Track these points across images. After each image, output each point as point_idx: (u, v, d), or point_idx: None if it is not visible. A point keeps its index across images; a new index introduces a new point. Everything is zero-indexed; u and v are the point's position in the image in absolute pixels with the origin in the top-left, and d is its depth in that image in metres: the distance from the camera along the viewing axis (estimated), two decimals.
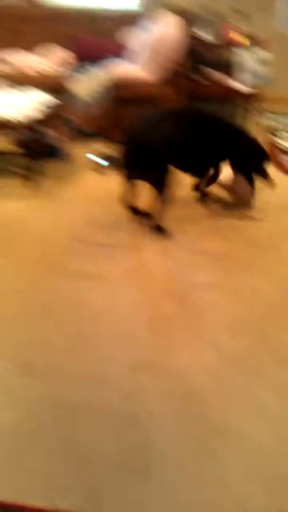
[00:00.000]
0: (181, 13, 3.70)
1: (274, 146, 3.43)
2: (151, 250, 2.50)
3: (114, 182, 2.68)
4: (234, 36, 3.68)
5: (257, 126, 3.65)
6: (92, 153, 3.34)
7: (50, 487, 1.39)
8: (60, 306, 2.11)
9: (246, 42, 3.70)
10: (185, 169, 2.58)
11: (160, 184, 2.40)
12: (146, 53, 3.56)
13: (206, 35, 3.80)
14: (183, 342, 1.92)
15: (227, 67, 3.77)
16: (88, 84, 3.55)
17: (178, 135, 2.43)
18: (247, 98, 3.74)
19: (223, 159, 2.70)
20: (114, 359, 1.84)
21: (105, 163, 3.21)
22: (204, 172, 2.77)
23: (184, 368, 1.80)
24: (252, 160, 2.64)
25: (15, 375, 1.75)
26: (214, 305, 2.11)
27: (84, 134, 3.67)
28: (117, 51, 3.79)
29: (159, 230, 2.52)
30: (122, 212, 2.75)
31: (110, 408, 1.64)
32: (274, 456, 1.50)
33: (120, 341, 1.92)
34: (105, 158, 3.24)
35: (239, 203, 2.77)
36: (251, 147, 2.65)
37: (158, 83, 3.62)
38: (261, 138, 3.49)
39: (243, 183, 2.68)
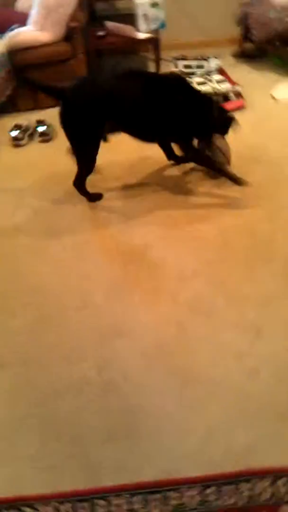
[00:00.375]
0: None
1: None
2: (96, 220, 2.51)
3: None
4: None
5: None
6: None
7: (51, 469, 1.46)
8: (16, 289, 2.09)
9: None
10: (129, 130, 2.46)
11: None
12: (39, 13, 3.37)
13: None
14: (143, 301, 1.99)
15: (125, 17, 3.67)
16: None
17: (119, 93, 2.28)
18: (149, 45, 3.69)
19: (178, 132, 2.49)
20: (82, 331, 1.89)
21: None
22: (151, 138, 2.58)
23: (149, 325, 1.88)
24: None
25: None
26: (165, 261, 2.19)
27: None
28: (23, 19, 3.56)
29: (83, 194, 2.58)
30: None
31: (88, 380, 1.70)
32: (246, 392, 1.64)
33: (84, 314, 1.97)
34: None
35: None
36: (216, 120, 2.50)
37: (56, 42, 3.47)
38: None
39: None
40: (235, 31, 4.33)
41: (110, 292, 2.08)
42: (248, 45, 4.24)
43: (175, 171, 2.85)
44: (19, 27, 3.60)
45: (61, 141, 3.20)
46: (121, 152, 2.93)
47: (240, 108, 3.46)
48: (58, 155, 3.07)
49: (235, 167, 2.81)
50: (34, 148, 3.22)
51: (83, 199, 2.63)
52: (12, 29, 3.54)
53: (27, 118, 3.48)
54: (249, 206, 2.51)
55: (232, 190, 2.60)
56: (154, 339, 1.85)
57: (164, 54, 4.06)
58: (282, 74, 3.99)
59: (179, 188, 2.71)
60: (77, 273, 2.19)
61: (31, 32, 3.45)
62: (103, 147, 2.41)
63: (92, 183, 2.60)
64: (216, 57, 3.56)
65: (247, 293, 2.02)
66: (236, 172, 2.64)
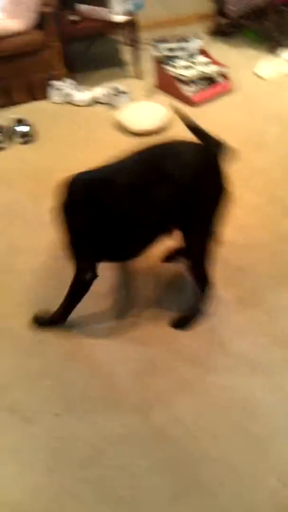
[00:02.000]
0: None
1: (173, 78, 3.26)
2: None
3: None
4: None
5: (150, 60, 3.42)
6: None
7: None
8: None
9: None
10: None
11: None
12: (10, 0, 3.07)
13: None
14: None
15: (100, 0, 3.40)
16: None
17: None
18: (126, 28, 3.46)
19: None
20: (113, 365, 1.75)
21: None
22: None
23: None
24: None
25: None
26: None
27: None
28: None
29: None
30: None
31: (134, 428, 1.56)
32: None
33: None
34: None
35: None
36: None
37: (27, 30, 3.18)
38: (158, 72, 3.31)
39: None
40: (205, 7, 4.15)
41: None
42: (222, 21, 4.07)
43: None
44: None
45: (44, 142, 3.00)
46: None
47: (227, 90, 3.32)
48: (44, 158, 2.86)
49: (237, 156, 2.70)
50: (16, 151, 2.97)
51: None
52: None
53: (2, 117, 3.21)
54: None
55: None
56: None
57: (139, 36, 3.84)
58: (261, 49, 3.86)
59: None
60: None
61: (0, 21, 3.14)
62: None
63: None
64: (197, 37, 3.37)
65: None
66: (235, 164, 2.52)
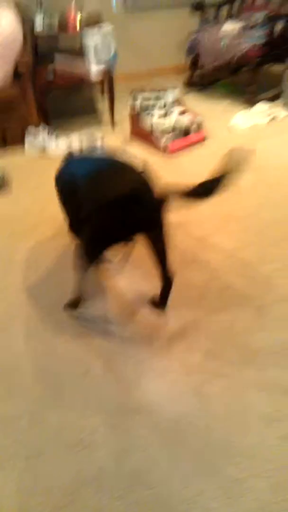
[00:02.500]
0: (16, 4, 3.30)
1: (148, 128, 3.32)
2: None
3: None
4: (76, 19, 3.41)
5: (128, 109, 3.48)
6: None
7: None
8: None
9: (87, 22, 3.46)
10: None
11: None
12: None
13: (49, 23, 3.45)
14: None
15: (76, 53, 3.50)
16: None
17: None
18: (102, 81, 3.54)
19: None
20: (88, 409, 1.64)
21: None
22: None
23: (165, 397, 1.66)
24: None
25: None
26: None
27: None
28: None
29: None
30: None
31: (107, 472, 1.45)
32: None
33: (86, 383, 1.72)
34: None
35: None
36: None
37: (4, 85, 3.22)
38: (134, 121, 3.37)
39: None
40: (181, 60, 4.32)
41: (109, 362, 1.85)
42: (197, 73, 4.22)
43: None
44: None
45: (18, 190, 2.97)
46: None
47: (202, 141, 3.39)
48: (16, 206, 2.83)
49: (212, 202, 2.71)
50: None
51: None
52: None
53: None
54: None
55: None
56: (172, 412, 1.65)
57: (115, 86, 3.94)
58: (235, 101, 3.99)
59: None
60: None
61: None
62: None
63: None
64: (173, 88, 3.47)
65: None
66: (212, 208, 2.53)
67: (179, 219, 2.60)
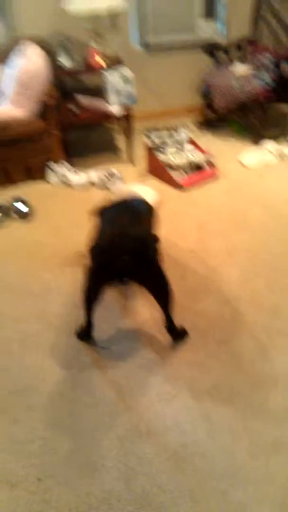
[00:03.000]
0: (42, 43, 3.56)
1: (163, 164, 3.51)
2: None
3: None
4: (98, 59, 3.66)
5: (143, 147, 3.69)
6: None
7: None
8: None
9: (108, 62, 3.71)
10: None
11: None
12: (13, 89, 3.36)
13: (71, 62, 3.71)
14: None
15: (98, 92, 3.74)
16: None
17: None
18: (121, 119, 3.76)
19: None
20: (98, 432, 1.72)
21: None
22: None
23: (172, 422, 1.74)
24: None
25: None
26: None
27: None
28: None
29: None
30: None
31: (117, 494, 1.53)
32: None
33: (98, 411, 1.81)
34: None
35: None
36: None
37: (30, 119, 3.45)
38: (150, 158, 3.56)
39: None
40: (193, 100, 4.56)
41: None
42: (209, 114, 4.44)
43: None
44: None
45: (40, 220, 3.16)
46: None
47: (213, 177, 3.56)
48: (38, 235, 3.00)
49: (219, 236, 2.87)
50: (14, 229, 3.11)
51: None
52: None
53: (1, 195, 3.40)
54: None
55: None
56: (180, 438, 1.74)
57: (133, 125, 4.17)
58: (245, 140, 4.18)
59: None
60: None
61: (6, 110, 3.41)
62: None
63: None
64: (185, 127, 3.68)
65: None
66: (220, 241, 2.67)
67: (191, 248, 2.76)
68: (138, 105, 4.39)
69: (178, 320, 2.14)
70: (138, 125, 4.23)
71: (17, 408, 1.87)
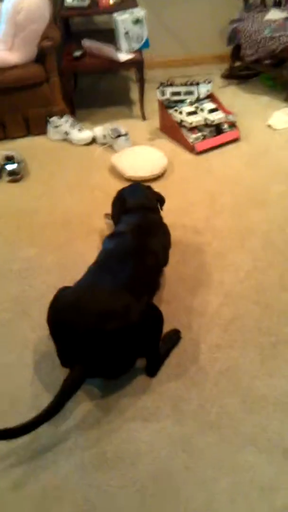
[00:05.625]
0: None
1: (176, 123, 3.07)
2: None
3: None
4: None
5: (156, 101, 3.24)
6: None
7: None
8: None
9: (118, 1, 3.22)
10: None
11: None
12: (7, 30, 2.93)
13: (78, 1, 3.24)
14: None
15: (104, 33, 3.26)
16: None
17: None
18: (133, 66, 3.29)
19: None
20: None
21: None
22: None
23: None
24: None
25: None
26: None
27: None
28: None
29: None
30: None
31: None
32: None
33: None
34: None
35: None
36: None
37: (27, 64, 3.04)
38: (163, 115, 3.13)
39: None
40: (221, 48, 3.99)
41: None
42: (237, 64, 3.88)
43: None
44: None
45: (34, 181, 2.82)
46: None
47: (234, 139, 3.11)
48: (29, 198, 2.68)
49: (233, 213, 2.48)
50: (1, 190, 2.79)
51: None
52: None
53: None
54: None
55: None
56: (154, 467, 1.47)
57: (147, 74, 3.68)
58: (275, 97, 3.65)
59: None
60: None
61: None
62: None
63: None
64: (207, 82, 3.18)
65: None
66: (232, 220, 2.31)
67: (198, 227, 2.39)
68: (157, 51, 3.90)
69: (171, 316, 1.83)
70: (158, 73, 3.76)
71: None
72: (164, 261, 2.00)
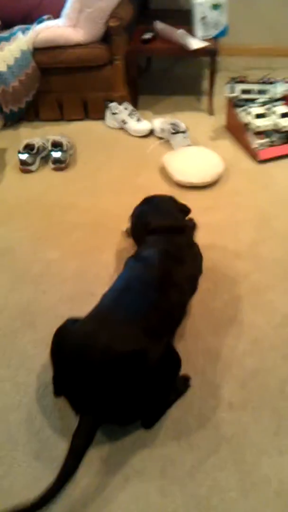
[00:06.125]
0: None
1: (243, 126, 2.75)
2: None
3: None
4: None
5: (225, 99, 2.92)
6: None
7: None
8: None
9: None
10: None
11: None
12: (72, 5, 2.73)
13: None
14: None
15: (186, 16, 2.95)
16: (8, 52, 2.75)
17: None
18: (205, 55, 2.98)
19: None
20: None
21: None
22: None
23: None
24: None
25: None
26: None
27: (6, 115, 2.94)
28: (58, 8, 2.92)
29: None
30: None
31: None
32: None
33: None
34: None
35: None
36: None
37: (91, 44, 2.84)
38: (230, 114, 2.84)
39: None
40: None
41: None
42: None
43: None
44: (49, 19, 2.99)
45: (77, 172, 2.67)
46: None
47: None
48: (68, 191, 2.53)
49: (284, 242, 2.16)
50: (43, 178, 2.66)
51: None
52: (41, 21, 2.94)
53: (45, 133, 2.92)
54: None
55: None
56: None
57: (223, 62, 3.35)
58: None
59: None
60: None
61: (61, 29, 2.82)
62: None
63: None
64: (286, 81, 2.80)
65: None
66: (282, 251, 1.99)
67: (239, 252, 2.12)
68: (239, 37, 3.54)
69: (185, 356, 1.61)
70: (237, 61, 3.47)
71: None
72: (192, 291, 1.77)
